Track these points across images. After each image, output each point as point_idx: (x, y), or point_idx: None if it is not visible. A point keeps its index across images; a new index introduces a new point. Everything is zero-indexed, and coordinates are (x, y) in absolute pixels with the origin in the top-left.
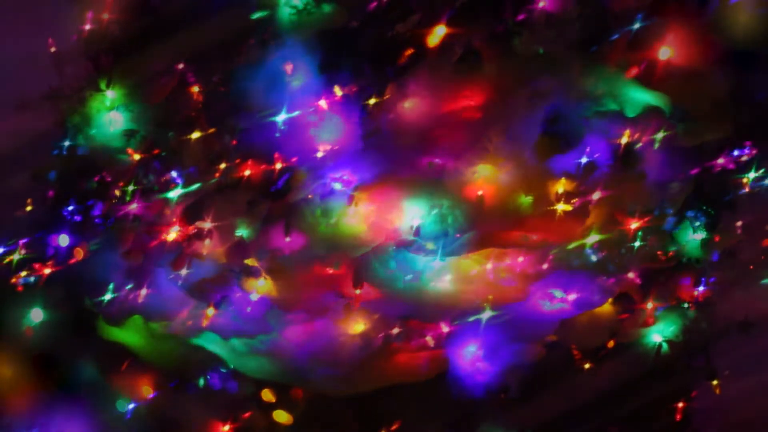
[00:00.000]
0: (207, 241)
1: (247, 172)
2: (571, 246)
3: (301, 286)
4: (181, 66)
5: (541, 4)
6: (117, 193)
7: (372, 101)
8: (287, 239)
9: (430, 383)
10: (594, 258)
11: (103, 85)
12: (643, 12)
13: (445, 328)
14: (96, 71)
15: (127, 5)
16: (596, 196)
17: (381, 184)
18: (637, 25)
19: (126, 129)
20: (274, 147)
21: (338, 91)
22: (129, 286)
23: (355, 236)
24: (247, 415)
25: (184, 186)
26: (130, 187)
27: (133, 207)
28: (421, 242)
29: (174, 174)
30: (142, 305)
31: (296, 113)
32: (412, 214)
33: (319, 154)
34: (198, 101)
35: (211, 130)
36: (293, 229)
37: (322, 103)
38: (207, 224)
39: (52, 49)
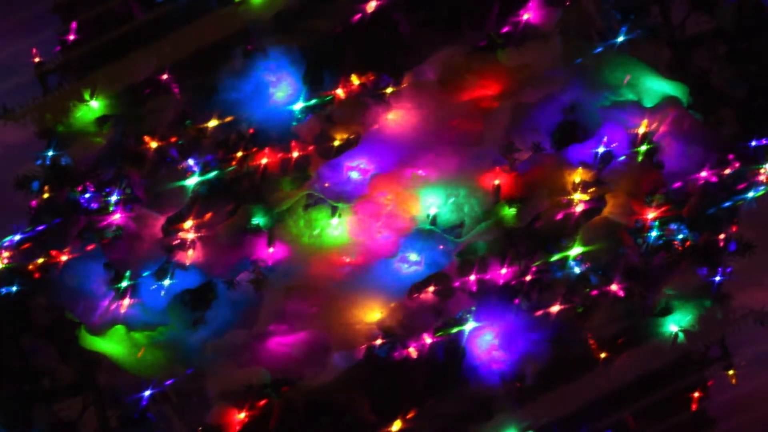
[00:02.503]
0: (190, 252)
1: (264, 161)
2: (554, 258)
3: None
4: (165, 76)
5: (525, 17)
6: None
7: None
8: (270, 250)
9: (446, 372)
10: (577, 270)
11: (87, 95)
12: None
13: (428, 339)
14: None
15: (111, 15)
16: (579, 208)
17: (398, 173)
18: (621, 38)
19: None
20: (290, 135)
21: (355, 80)
22: (111, 296)
23: (339, 248)
24: (262, 402)
25: (201, 174)
26: (113, 197)
27: (116, 217)
28: (405, 253)
29: (191, 162)
30: (124, 315)
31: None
32: (428, 203)
33: (336, 143)
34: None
35: (229, 119)
36: (277, 239)
37: (339, 92)
38: (190, 234)
39: (36, 59)
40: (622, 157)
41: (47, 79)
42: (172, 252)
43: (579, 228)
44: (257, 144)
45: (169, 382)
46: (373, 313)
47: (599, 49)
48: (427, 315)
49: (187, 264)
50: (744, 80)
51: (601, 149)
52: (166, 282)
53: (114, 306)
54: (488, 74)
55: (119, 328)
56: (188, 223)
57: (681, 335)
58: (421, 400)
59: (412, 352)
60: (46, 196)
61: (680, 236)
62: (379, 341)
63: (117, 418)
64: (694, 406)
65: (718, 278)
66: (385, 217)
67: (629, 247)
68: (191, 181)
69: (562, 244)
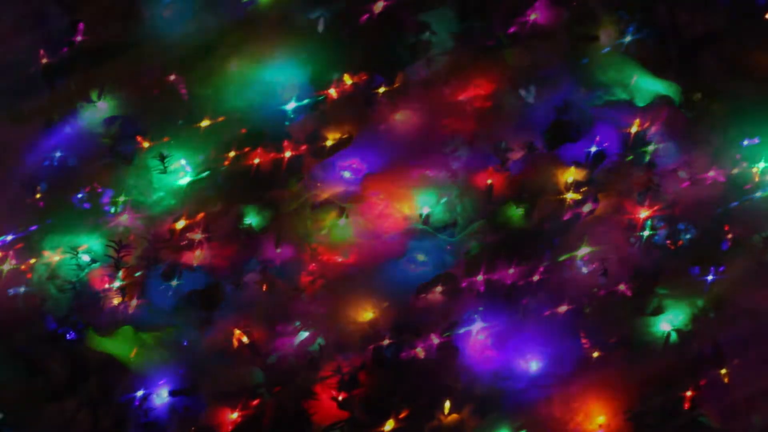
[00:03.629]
0: (198, 252)
1: (256, 160)
2: (563, 258)
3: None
4: (172, 77)
5: (532, 17)
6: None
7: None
8: (278, 250)
9: (438, 372)
10: (585, 270)
11: (94, 96)
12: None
13: (435, 340)
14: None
15: (117, 16)
16: (586, 208)
17: (390, 173)
18: (628, 38)
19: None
20: (283, 135)
21: (348, 79)
22: (119, 297)
23: (346, 248)
24: (255, 402)
25: (194, 174)
26: (121, 198)
27: (124, 218)
28: (412, 254)
29: (183, 162)
30: (132, 315)
31: (306, 101)
32: (421, 202)
33: (329, 143)
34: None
35: (221, 118)
36: (284, 240)
37: (332, 92)
38: (197, 235)
39: (44, 61)
40: (630, 157)
41: (54, 79)
42: (180, 253)
43: (577, 228)
44: (250, 143)
45: (162, 382)
46: (378, 313)
47: (606, 49)
48: (434, 315)
49: (195, 265)
50: (742, 80)
51: (593, 148)
52: (174, 282)
53: (122, 306)
54: (493, 74)
55: (127, 329)
56: (194, 224)
57: (674, 334)
58: (414, 400)
59: (420, 352)
60: (52, 196)
61: (687, 236)
62: (386, 341)
63: (110, 417)
64: (686, 405)
65: (710, 277)
66: (391, 217)
67: (623, 246)
68: (184, 181)
69: (554, 243)
